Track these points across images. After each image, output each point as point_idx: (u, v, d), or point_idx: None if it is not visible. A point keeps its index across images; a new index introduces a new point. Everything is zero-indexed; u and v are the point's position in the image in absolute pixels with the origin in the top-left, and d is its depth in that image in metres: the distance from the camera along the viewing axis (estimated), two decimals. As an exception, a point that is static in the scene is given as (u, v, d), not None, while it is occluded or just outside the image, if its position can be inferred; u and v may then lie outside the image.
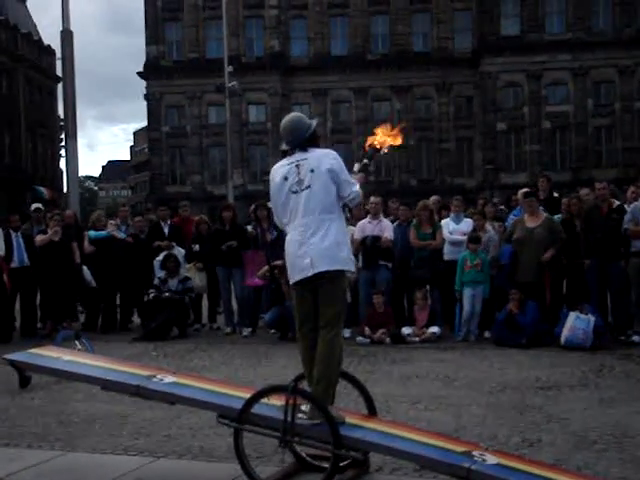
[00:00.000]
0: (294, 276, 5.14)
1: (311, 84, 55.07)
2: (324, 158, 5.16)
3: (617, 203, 11.28)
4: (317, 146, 5.27)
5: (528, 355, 9.85)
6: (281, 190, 5.17)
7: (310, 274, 5.02)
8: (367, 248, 11.53)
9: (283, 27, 56.33)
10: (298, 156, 5.18)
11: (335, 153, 5.25)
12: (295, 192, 5.11)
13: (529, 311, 10.57)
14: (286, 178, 5.15)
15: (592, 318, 10.18)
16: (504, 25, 52.95)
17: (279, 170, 5.23)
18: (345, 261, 5.15)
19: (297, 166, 5.14)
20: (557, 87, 52.83)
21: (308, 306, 5.13)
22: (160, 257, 12.93)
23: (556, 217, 11.52)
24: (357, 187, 5.19)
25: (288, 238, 5.21)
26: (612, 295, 11.08)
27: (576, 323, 10.18)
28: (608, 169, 49.33)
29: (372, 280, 11.65)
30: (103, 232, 13.24)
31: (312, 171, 5.09)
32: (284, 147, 5.30)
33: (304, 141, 5.20)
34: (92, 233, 13.24)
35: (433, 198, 13.82)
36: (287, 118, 5.33)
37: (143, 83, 57.16)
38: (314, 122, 5.32)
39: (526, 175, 48.69)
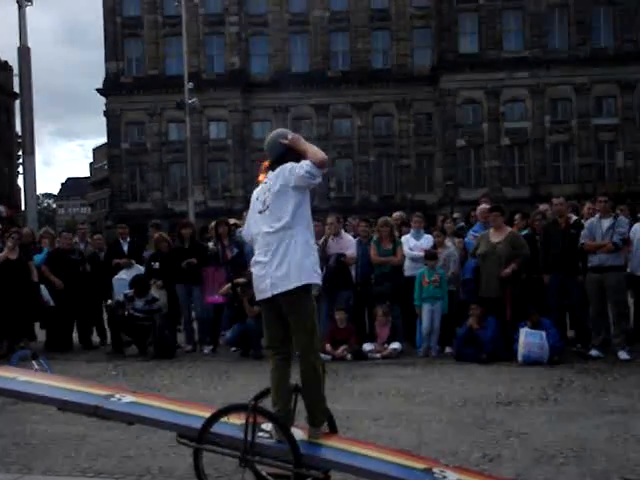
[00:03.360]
0: (257, 295, 5.18)
1: (272, 101, 55.15)
2: (280, 174, 5.06)
3: (574, 218, 11.40)
4: (296, 160, 5.07)
5: (488, 370, 9.90)
6: (253, 210, 5.24)
7: (269, 295, 5.02)
8: (330, 270, 11.21)
9: (243, 44, 56.47)
10: (269, 175, 5.19)
11: (296, 164, 5.02)
12: (260, 212, 5.15)
13: (489, 326, 10.63)
14: (257, 198, 5.22)
15: (543, 333, 10.20)
16: (462, 43, 53.71)
17: (257, 190, 5.29)
18: (309, 274, 5.01)
19: (266, 184, 5.18)
20: (515, 104, 53.54)
21: (274, 327, 5.14)
22: (123, 275, 12.85)
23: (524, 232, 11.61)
24: (307, 162, 4.98)
25: (253, 259, 5.23)
26: (571, 310, 11.18)
27: (529, 339, 10.20)
28: (566, 185, 50.08)
29: (333, 297, 11.59)
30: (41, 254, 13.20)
31: (269, 190, 5.11)
32: None
33: (275, 161, 5.21)
34: (37, 258, 13.11)
35: (396, 214, 13.84)
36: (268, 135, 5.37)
37: (100, 98, 56.88)
38: (287, 138, 5.17)
39: (487, 191, 49.16)
